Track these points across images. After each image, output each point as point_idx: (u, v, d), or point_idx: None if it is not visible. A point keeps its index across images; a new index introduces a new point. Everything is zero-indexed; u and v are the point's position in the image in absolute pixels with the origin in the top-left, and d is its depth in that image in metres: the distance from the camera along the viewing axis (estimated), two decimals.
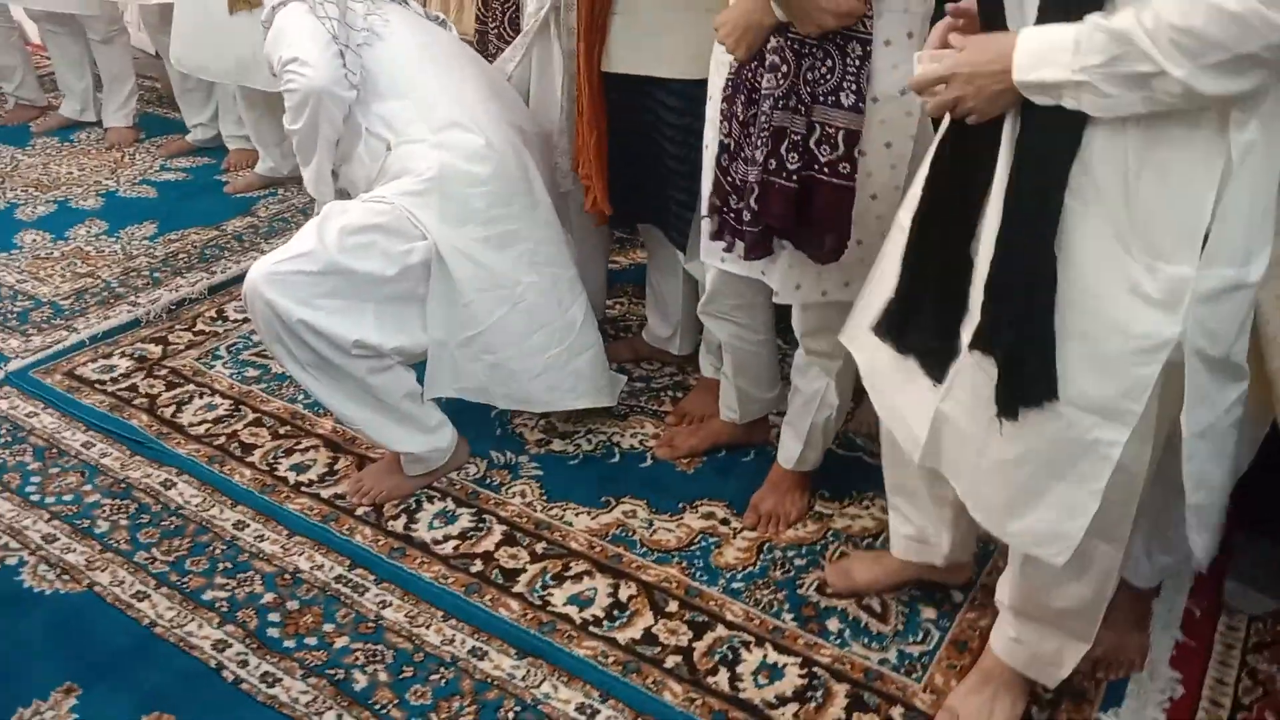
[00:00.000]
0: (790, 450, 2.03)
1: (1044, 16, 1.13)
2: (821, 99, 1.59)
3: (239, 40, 3.06)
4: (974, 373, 1.30)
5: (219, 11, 3.07)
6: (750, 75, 1.63)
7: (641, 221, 2.33)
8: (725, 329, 2.05)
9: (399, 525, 2.04)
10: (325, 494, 2.12)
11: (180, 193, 3.53)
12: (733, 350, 2.08)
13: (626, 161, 2.14)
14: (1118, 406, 1.21)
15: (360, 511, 2.07)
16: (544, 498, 2.12)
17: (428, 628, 1.80)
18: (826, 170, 1.61)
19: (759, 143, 1.61)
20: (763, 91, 1.60)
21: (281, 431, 2.30)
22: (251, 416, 2.37)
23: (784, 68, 1.57)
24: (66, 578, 1.90)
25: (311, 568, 1.93)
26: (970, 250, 1.28)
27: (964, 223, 1.28)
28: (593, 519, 2.06)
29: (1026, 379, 1.23)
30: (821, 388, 1.94)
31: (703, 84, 1.85)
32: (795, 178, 1.61)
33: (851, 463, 2.21)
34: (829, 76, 1.57)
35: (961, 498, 1.44)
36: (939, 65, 1.21)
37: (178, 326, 2.73)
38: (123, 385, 2.48)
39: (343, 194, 2.17)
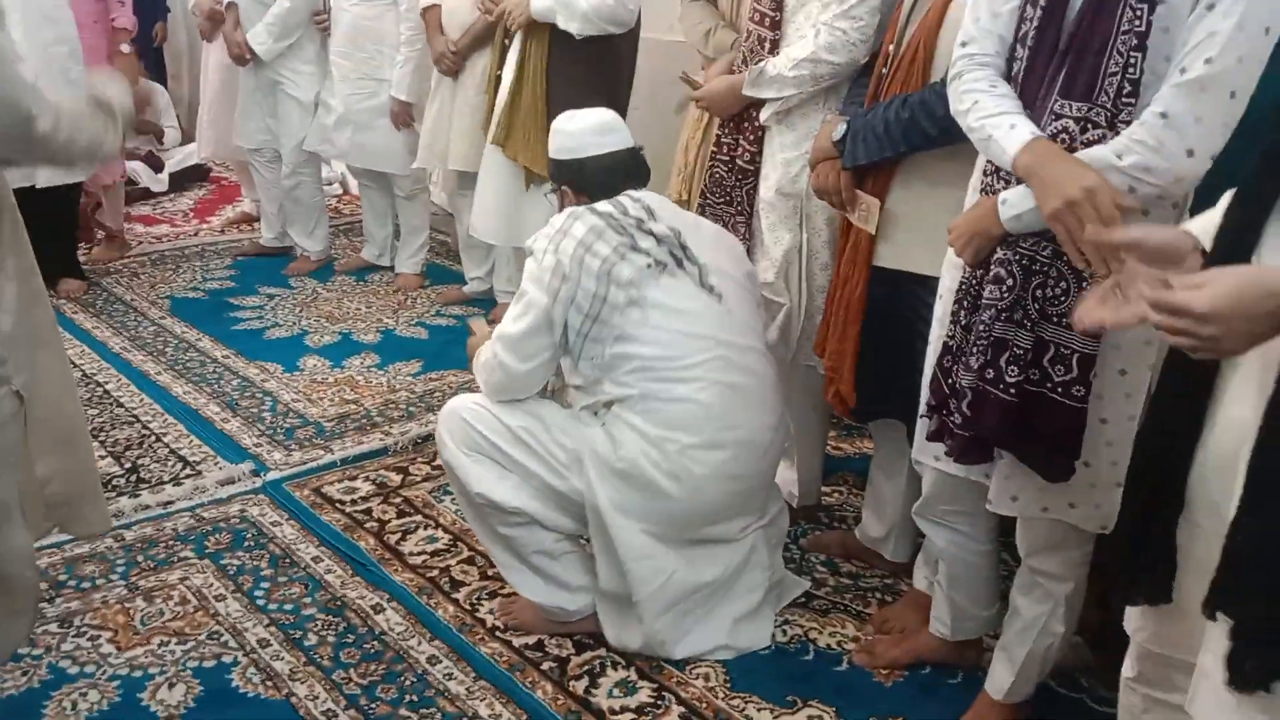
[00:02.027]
0: (1000, 679, 1.86)
1: None
2: (1054, 319, 1.54)
3: (526, 210, 3.36)
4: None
5: (516, 186, 3.38)
6: (976, 282, 1.59)
7: (886, 417, 2.27)
8: (942, 535, 1.94)
9: (580, 686, 2.03)
10: (517, 642, 2.15)
11: (448, 337, 3.82)
12: (949, 558, 1.96)
13: (877, 356, 2.11)
14: None
15: (545, 666, 2.08)
16: (728, 684, 2.04)
17: None
18: (1060, 390, 1.54)
19: (976, 350, 1.57)
20: (984, 301, 1.56)
21: (490, 573, 2.37)
22: (466, 554, 2.46)
23: (1009, 281, 1.55)
24: (270, 684, 2.01)
25: (489, 715, 1.94)
26: (1187, 488, 1.16)
27: (1183, 454, 1.16)
28: (775, 718, 1.95)
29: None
30: (1045, 612, 1.79)
31: None
32: (1014, 390, 1.54)
33: (1070, 704, 1.98)
34: (1062, 298, 1.52)
35: None
36: (1198, 301, 1.03)
37: (419, 459, 2.92)
38: (359, 507, 2.65)
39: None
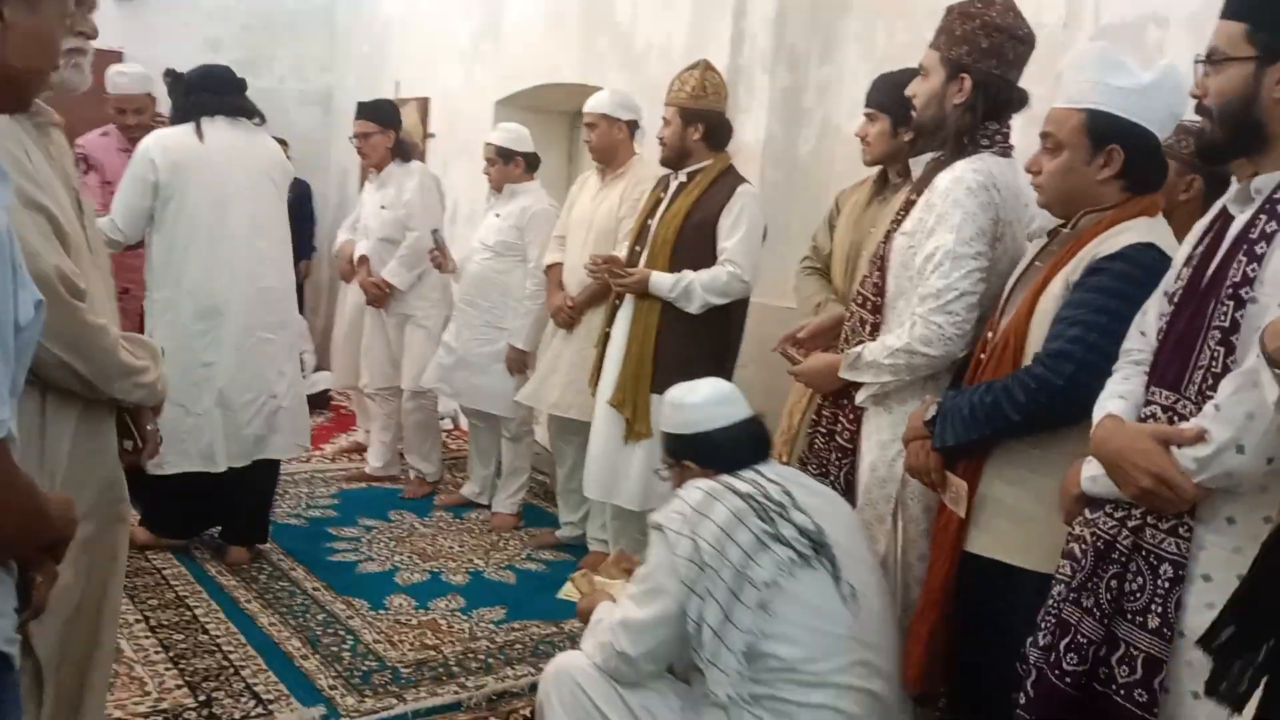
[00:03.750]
0: None
1: None
2: (1128, 616, 1.49)
3: (621, 465, 3.38)
4: None
5: (619, 442, 3.42)
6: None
7: (978, 715, 2.09)
8: None
9: None
10: None
11: (536, 584, 3.76)
12: None
13: (969, 648, 1.99)
14: None
15: None
16: None
17: None
18: (1122, 693, 1.47)
19: (1044, 627, 1.55)
20: (1057, 574, 1.55)
21: None
22: None
23: (1082, 560, 1.54)
24: None
25: None
26: None
27: None
28: None
29: None
30: None
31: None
32: (1070, 680, 1.49)
33: None
34: (1139, 595, 1.46)
35: None
36: None
37: (492, 718, 2.79)
38: None
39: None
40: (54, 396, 1.63)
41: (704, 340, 3.33)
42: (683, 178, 3.44)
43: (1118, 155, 1.88)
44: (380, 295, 4.54)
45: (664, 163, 3.48)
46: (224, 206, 3.45)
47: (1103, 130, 1.87)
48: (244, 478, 3.61)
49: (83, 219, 1.79)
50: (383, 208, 4.61)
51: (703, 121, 3.37)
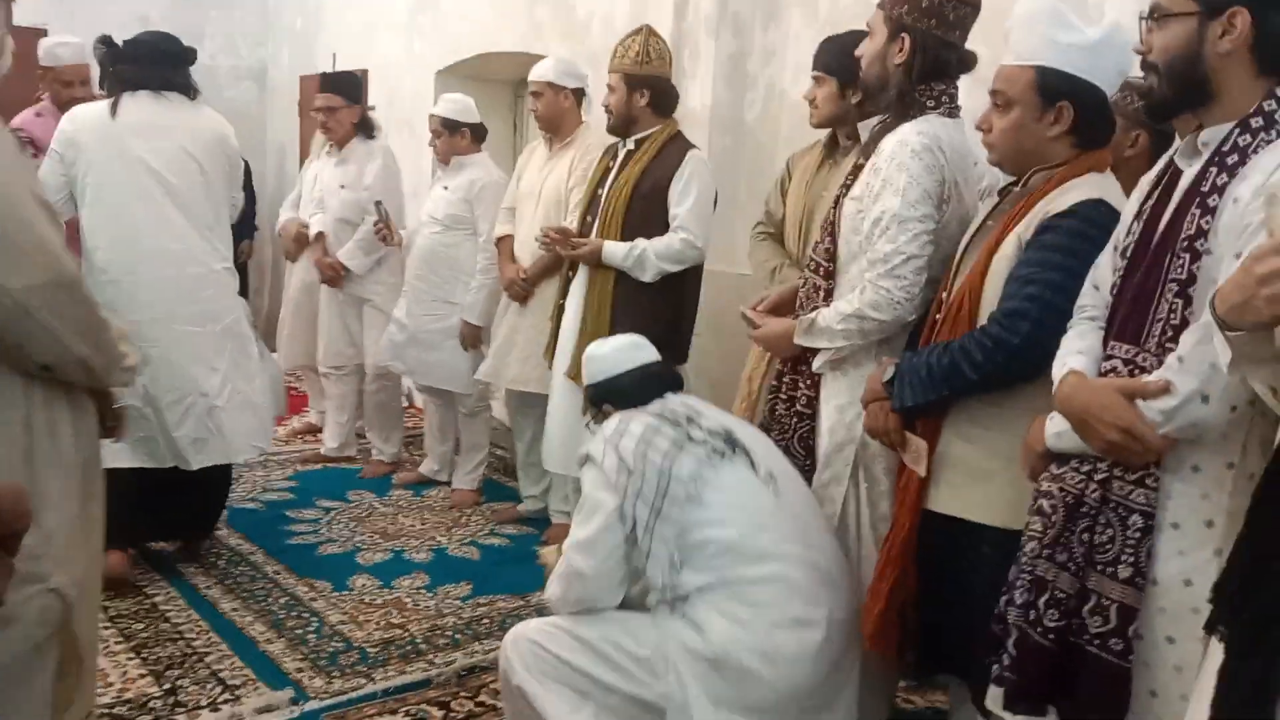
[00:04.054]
0: None
1: None
2: (1099, 567, 1.52)
3: (586, 439, 3.34)
4: None
5: (578, 416, 3.39)
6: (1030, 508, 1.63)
7: (941, 672, 2.15)
8: None
9: None
10: None
11: (499, 558, 3.76)
12: None
13: (928, 605, 2.02)
14: None
15: None
16: None
17: None
18: (1096, 643, 1.50)
19: (1020, 586, 1.57)
20: (1027, 532, 1.58)
21: None
22: None
23: (1052, 516, 1.56)
24: None
25: None
26: None
27: None
28: None
29: None
30: None
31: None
32: (1052, 637, 1.52)
33: None
34: (1109, 546, 1.50)
35: None
36: None
37: (462, 693, 2.80)
38: None
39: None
40: (41, 387, 1.58)
41: (660, 308, 3.33)
42: (630, 145, 3.42)
43: (1068, 112, 1.90)
44: (335, 276, 4.46)
45: (611, 131, 3.46)
46: (133, 187, 3.18)
47: (1053, 87, 1.89)
48: (191, 478, 3.32)
49: None
50: (342, 187, 4.50)
51: (648, 87, 3.35)
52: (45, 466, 1.56)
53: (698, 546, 2.00)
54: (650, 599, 2.09)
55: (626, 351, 2.28)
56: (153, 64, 3.27)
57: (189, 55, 3.37)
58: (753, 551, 2.01)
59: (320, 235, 4.54)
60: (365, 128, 4.53)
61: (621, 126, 3.41)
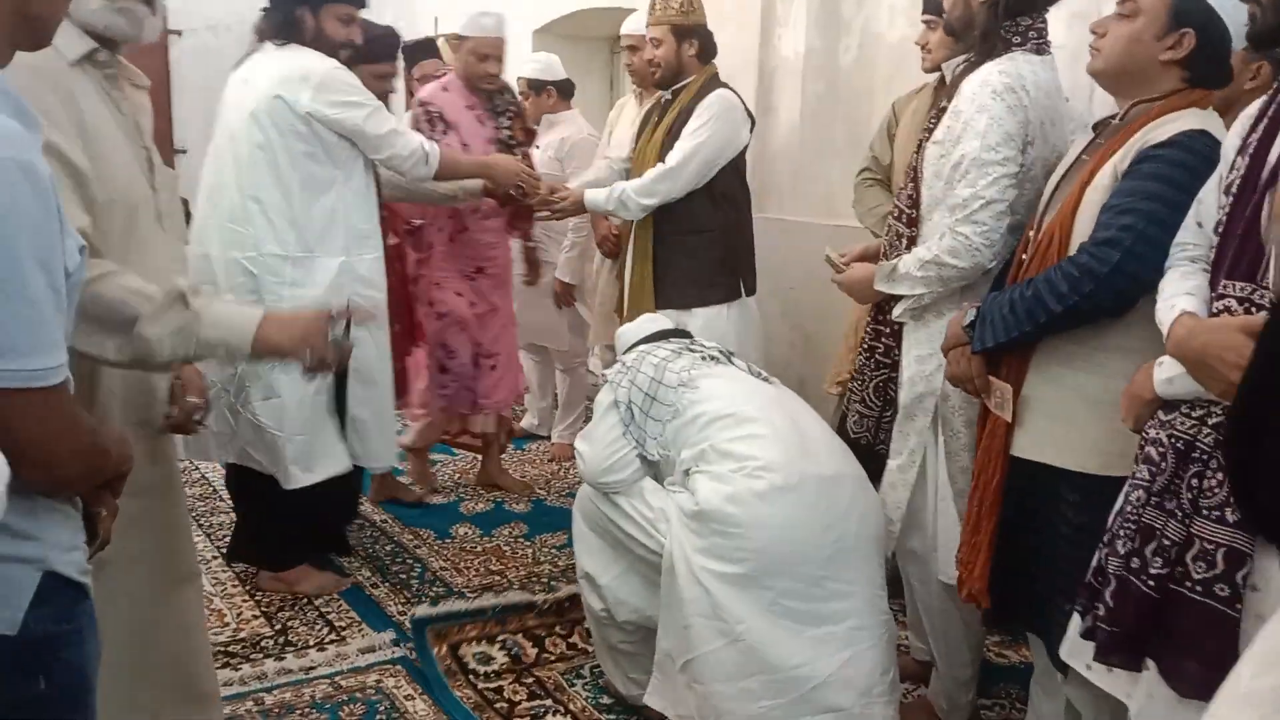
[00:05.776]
0: None
1: None
2: (1205, 512, 1.43)
3: None
4: None
5: None
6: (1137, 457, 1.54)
7: (1022, 629, 2.10)
8: None
9: None
10: None
11: None
12: None
13: (1014, 554, 1.97)
14: None
15: None
16: None
17: None
18: (1200, 589, 1.42)
19: (1123, 534, 1.49)
20: (1134, 480, 1.48)
21: None
22: None
23: (1161, 464, 1.48)
24: None
25: None
26: None
27: None
28: None
29: None
30: None
31: (1108, 481, 1.72)
32: (1153, 584, 1.45)
33: None
34: (1218, 490, 1.40)
35: None
36: None
37: (559, 626, 2.88)
38: (491, 684, 2.61)
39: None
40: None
41: (700, 255, 3.23)
42: (668, 95, 3.32)
43: (1189, 40, 1.79)
44: None
45: (659, 85, 3.35)
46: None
47: (1186, 10, 1.78)
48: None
49: (153, 180, 1.75)
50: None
51: (696, 37, 3.23)
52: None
53: (690, 422, 2.21)
54: (665, 483, 2.29)
55: (645, 324, 2.61)
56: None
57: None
58: (739, 418, 2.18)
59: None
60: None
61: (671, 78, 3.29)
